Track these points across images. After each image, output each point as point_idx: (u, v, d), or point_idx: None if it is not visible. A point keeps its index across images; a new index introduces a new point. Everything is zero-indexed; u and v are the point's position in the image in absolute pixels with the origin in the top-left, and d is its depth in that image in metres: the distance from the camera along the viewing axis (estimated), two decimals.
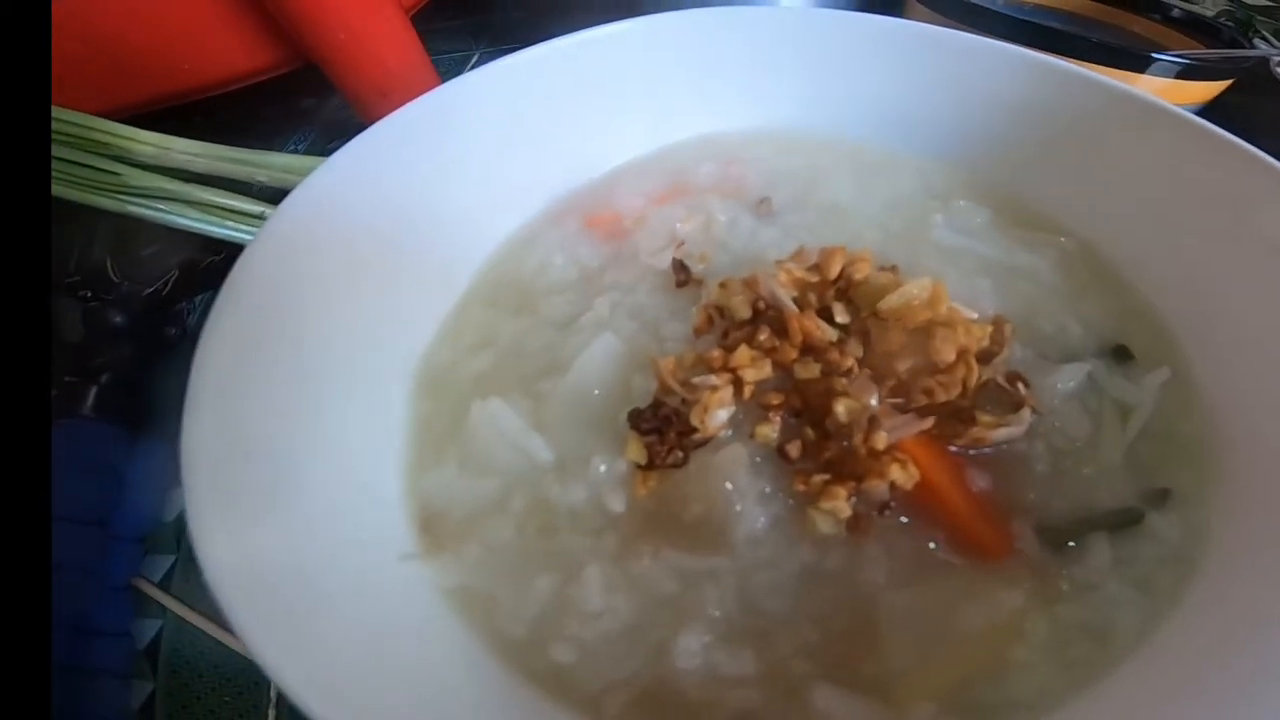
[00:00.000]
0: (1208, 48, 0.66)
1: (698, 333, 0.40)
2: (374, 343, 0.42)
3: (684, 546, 0.34)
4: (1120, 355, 0.42)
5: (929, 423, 0.35)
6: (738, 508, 0.34)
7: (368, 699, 0.28)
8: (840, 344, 0.36)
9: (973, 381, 0.35)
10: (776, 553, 0.34)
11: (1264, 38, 0.81)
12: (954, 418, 0.36)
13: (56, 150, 0.53)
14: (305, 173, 0.41)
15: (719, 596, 0.33)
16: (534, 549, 0.36)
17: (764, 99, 0.54)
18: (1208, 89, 0.62)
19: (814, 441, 0.35)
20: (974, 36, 0.49)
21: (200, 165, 0.56)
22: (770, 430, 0.35)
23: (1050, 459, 0.37)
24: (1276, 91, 0.60)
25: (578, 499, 0.36)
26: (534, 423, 0.38)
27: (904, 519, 0.35)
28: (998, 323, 0.38)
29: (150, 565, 0.47)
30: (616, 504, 0.35)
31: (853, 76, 0.52)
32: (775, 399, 0.36)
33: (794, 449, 0.35)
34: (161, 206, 0.54)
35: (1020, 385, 0.37)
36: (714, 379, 0.35)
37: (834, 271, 0.38)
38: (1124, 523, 0.36)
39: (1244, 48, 0.65)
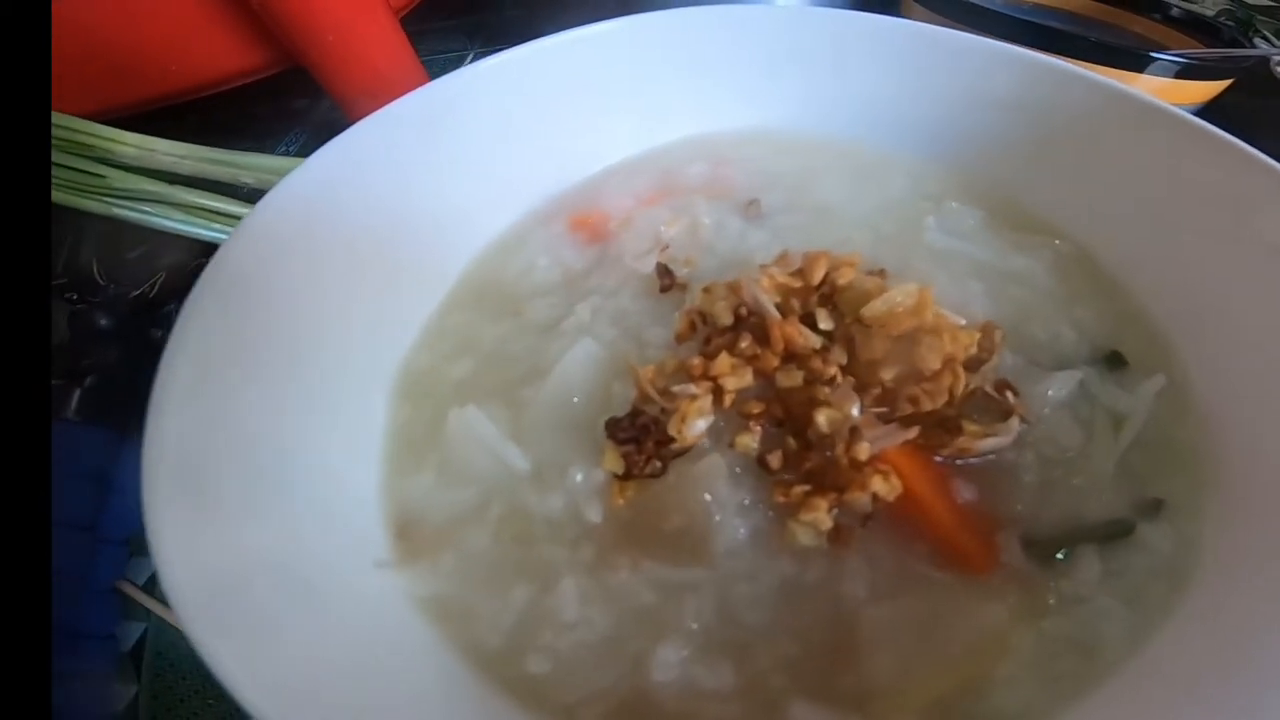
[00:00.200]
0: (1207, 47, 0.66)
1: (680, 339, 0.39)
2: (353, 346, 0.41)
3: (662, 557, 0.34)
4: (1114, 362, 0.41)
5: (913, 433, 0.34)
6: (717, 519, 0.34)
7: (334, 708, 0.27)
8: (823, 351, 0.35)
9: (959, 390, 0.35)
10: (756, 565, 0.34)
11: (1264, 37, 0.80)
12: (940, 427, 0.35)
13: None
14: None
15: (697, 609, 0.33)
16: (510, 558, 0.35)
17: (756, 99, 0.53)
18: (1207, 89, 0.62)
19: (795, 452, 0.34)
20: (968, 35, 0.48)
21: (186, 167, 0.55)
22: (751, 440, 0.35)
23: (1039, 469, 0.36)
24: (1276, 91, 0.59)
25: (555, 508, 0.36)
26: (512, 431, 0.38)
27: (887, 531, 0.34)
28: (987, 329, 0.37)
29: (135, 568, 0.47)
30: (594, 514, 0.35)
31: (846, 76, 0.51)
32: (756, 408, 0.35)
33: (775, 459, 0.34)
34: (146, 209, 0.54)
35: (1009, 394, 0.36)
36: (693, 388, 0.34)
37: (818, 276, 0.37)
38: (1114, 534, 0.35)
39: (1244, 47, 0.64)
